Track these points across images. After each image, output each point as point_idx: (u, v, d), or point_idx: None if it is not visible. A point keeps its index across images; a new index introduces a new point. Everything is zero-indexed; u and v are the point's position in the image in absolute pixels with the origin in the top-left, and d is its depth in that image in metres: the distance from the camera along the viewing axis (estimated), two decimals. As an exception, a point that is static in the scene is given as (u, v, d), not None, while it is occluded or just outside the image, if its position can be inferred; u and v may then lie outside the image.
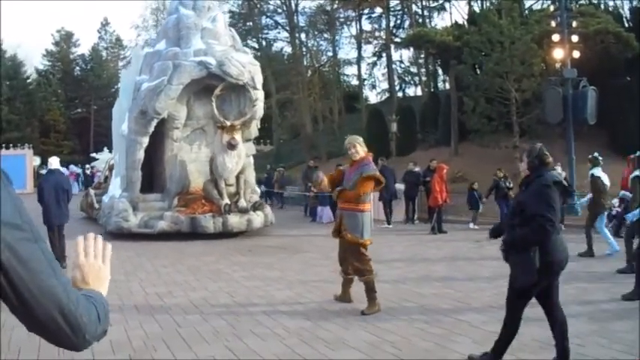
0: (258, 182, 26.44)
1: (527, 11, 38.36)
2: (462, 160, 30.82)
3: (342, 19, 54.54)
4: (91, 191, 25.06)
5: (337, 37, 56.25)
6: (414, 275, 11.98)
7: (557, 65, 25.11)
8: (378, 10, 52.31)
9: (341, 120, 54.35)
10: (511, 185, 21.23)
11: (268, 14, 56.69)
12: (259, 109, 19.81)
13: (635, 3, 36.14)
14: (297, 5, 51.62)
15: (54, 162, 14.26)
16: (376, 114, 41.82)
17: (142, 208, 18.99)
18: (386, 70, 56.03)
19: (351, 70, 66.59)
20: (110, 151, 28.09)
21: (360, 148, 9.17)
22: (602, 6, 37.06)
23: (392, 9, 51.64)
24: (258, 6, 54.89)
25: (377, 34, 54.60)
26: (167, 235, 17.84)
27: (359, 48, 54.29)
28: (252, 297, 10.11)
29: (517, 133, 29.15)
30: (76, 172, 46.29)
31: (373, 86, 65.81)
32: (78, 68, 77.03)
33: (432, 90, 49.55)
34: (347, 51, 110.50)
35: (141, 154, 19.07)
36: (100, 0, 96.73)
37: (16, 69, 66.94)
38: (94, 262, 1.90)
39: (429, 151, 33.00)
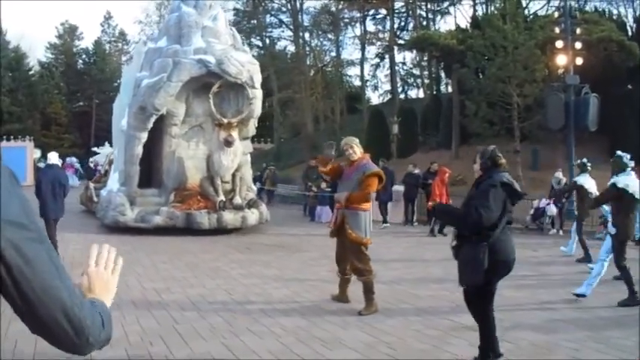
0: (255, 180, 26.48)
1: (531, 17, 38.36)
2: (462, 164, 30.80)
3: (346, 20, 54.55)
4: (91, 185, 25.07)
5: (341, 38, 56.35)
6: (410, 277, 11.99)
7: (560, 71, 25.13)
8: (383, 11, 52.37)
9: (342, 120, 54.31)
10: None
11: (273, 12, 56.73)
12: (257, 107, 19.90)
13: (639, 12, 36.21)
14: (302, 4, 51.71)
15: (52, 157, 14.66)
16: (377, 115, 41.85)
17: (140, 202, 19.08)
18: (389, 71, 56.09)
19: (353, 71, 66.68)
20: (111, 146, 28.10)
21: (357, 149, 9.21)
22: (607, 14, 37.08)
23: (396, 11, 51.71)
24: (263, 4, 54.89)
25: (381, 35, 54.63)
26: (163, 230, 17.91)
27: (362, 49, 54.37)
28: (250, 295, 10.10)
29: (518, 137, 29.21)
30: (74, 164, 46.20)
31: (375, 87, 65.83)
32: (81, 61, 77.00)
33: (434, 93, 49.60)
34: (350, 52, 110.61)
35: (139, 150, 19.17)
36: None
37: (19, 60, 66.81)
38: (103, 272, 1.91)
39: (430, 154, 33.02)
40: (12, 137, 46.49)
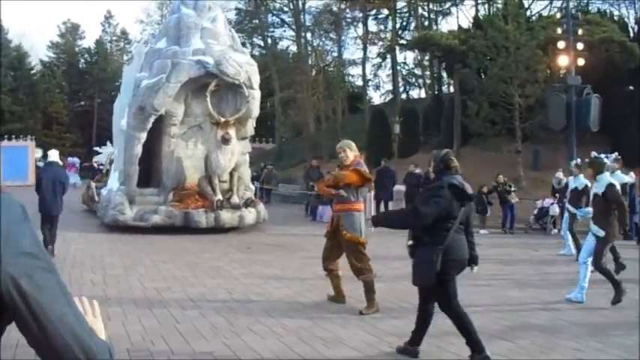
0: (254, 179, 26.54)
1: (533, 17, 38.34)
2: (463, 164, 30.48)
3: (348, 20, 54.47)
4: (92, 184, 25.14)
5: (343, 37, 56.30)
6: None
7: (562, 72, 25.12)
8: (385, 11, 52.31)
9: (344, 120, 54.28)
10: (513, 189, 21.41)
11: (275, 12, 56.69)
12: (255, 107, 20.17)
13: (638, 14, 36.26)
14: (304, 4, 51.59)
15: (53, 155, 14.86)
16: (379, 115, 41.76)
17: (139, 201, 19.26)
18: (390, 71, 56.08)
19: (355, 71, 66.75)
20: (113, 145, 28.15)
21: (349, 153, 9.26)
22: (608, 15, 37.06)
23: (398, 11, 51.64)
24: (265, 4, 54.85)
25: (382, 35, 54.54)
26: (162, 229, 18.00)
27: (364, 49, 54.29)
28: (251, 294, 10.10)
29: (520, 138, 29.20)
30: (75, 164, 46.22)
31: (377, 87, 65.76)
32: (83, 61, 76.81)
33: (436, 93, 49.55)
34: (352, 51, 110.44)
35: (138, 149, 19.36)
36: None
37: (21, 59, 66.71)
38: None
39: (431, 154, 32.90)
40: (13, 137, 46.56)
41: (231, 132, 18.92)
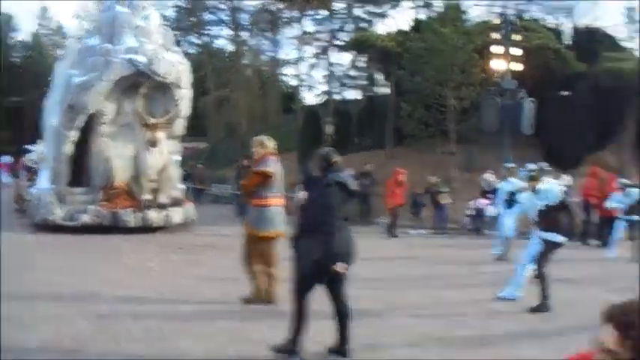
0: (185, 178, 26.28)
1: (470, 22, 38.73)
2: (397, 164, 30.90)
3: (285, 19, 54.39)
4: (22, 183, 24.59)
5: (279, 37, 56.17)
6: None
7: (497, 76, 25.41)
8: (323, 12, 52.35)
9: (277, 120, 54.14)
10: (445, 189, 21.64)
11: (211, 10, 56.25)
12: (184, 107, 20.18)
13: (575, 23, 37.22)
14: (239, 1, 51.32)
15: None
16: (312, 115, 41.70)
17: (69, 201, 18.94)
18: (325, 72, 56.15)
19: (290, 71, 66.49)
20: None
21: (260, 149, 9.55)
22: (545, 23, 37.83)
23: (335, 12, 51.72)
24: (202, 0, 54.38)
25: (319, 35, 54.56)
26: (93, 229, 17.71)
27: (299, 49, 54.25)
28: (183, 295, 9.95)
29: (453, 140, 29.48)
30: (7, 163, 45.22)
31: (311, 87, 65.69)
32: (16, 54, 74.65)
33: (371, 94, 49.77)
34: (287, 51, 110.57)
35: (68, 148, 19.07)
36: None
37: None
38: None
39: (363, 154, 32.93)
40: None
41: (159, 134, 19.11)
